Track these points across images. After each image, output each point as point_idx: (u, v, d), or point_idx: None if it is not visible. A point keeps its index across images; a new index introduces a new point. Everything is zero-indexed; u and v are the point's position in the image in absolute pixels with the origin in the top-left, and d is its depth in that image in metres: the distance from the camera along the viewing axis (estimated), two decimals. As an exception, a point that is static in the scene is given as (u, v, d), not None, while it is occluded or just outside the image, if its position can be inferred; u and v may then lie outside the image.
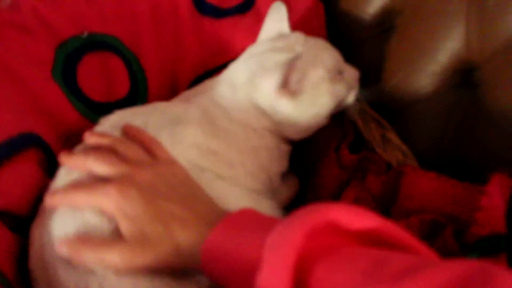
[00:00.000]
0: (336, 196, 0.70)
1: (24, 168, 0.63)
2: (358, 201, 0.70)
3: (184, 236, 0.46)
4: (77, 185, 0.54)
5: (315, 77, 0.66)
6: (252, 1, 0.90)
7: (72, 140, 0.66)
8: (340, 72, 0.69)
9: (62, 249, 0.49)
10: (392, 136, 0.76)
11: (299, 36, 0.72)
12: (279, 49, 0.69)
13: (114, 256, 0.47)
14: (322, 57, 0.68)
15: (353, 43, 0.93)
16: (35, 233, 0.56)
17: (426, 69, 0.74)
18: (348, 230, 0.37)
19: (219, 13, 0.89)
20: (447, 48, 0.71)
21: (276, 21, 0.75)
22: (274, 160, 0.69)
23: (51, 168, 0.65)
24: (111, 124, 0.66)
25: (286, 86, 0.63)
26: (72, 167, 0.56)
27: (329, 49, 0.72)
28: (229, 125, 0.65)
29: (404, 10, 0.82)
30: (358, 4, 0.89)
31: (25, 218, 0.61)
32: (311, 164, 0.76)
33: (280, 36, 0.74)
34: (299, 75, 0.64)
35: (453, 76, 0.72)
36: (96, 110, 0.77)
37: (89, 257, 0.48)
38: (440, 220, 0.61)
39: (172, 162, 0.56)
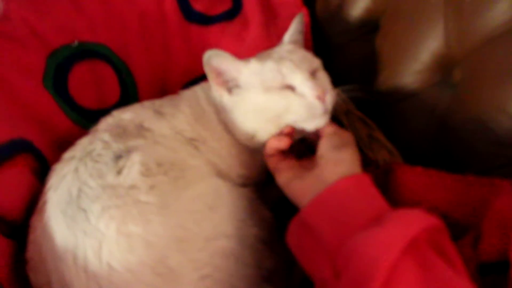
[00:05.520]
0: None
1: (16, 173, 0.64)
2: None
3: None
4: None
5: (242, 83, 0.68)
6: (239, 7, 0.93)
7: (64, 146, 0.67)
8: (283, 87, 0.65)
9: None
10: (378, 135, 0.77)
11: (283, 47, 0.72)
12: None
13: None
14: (267, 69, 0.66)
15: (338, 45, 0.95)
16: (34, 224, 0.60)
17: (408, 68, 0.76)
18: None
19: (207, 20, 0.91)
20: (427, 46, 0.72)
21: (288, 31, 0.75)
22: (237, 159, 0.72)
23: (43, 173, 0.66)
24: (110, 123, 0.69)
25: (223, 84, 0.69)
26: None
27: (286, 61, 0.66)
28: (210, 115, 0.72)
29: (386, 11, 0.84)
30: (342, 7, 0.91)
31: (18, 224, 0.63)
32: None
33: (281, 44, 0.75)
34: (233, 79, 0.68)
35: (435, 74, 0.73)
36: (88, 117, 0.79)
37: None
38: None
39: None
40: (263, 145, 0.69)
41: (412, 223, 0.47)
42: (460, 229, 0.59)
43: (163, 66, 0.90)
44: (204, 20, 0.91)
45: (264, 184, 0.76)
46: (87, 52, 0.81)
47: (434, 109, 0.73)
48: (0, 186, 0.61)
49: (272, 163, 0.66)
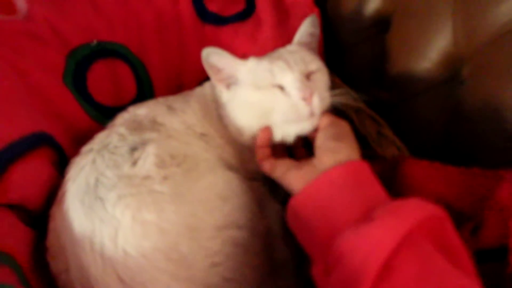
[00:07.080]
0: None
1: (37, 165, 0.67)
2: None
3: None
4: None
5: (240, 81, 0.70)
6: (252, 8, 0.95)
7: (82, 141, 0.70)
8: (273, 86, 0.66)
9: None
10: (387, 132, 0.78)
11: (287, 48, 0.74)
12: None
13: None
14: (261, 67, 0.68)
15: (349, 44, 0.96)
16: (54, 213, 0.62)
17: (417, 66, 0.77)
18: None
19: (221, 20, 0.94)
20: (436, 45, 0.73)
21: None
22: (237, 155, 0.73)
23: (62, 167, 0.68)
24: (126, 118, 0.72)
25: (222, 81, 0.72)
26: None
27: (279, 61, 0.67)
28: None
29: (396, 11, 0.85)
30: (353, 7, 0.93)
31: (39, 214, 0.65)
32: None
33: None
34: (232, 76, 0.71)
35: (444, 72, 0.74)
36: (106, 114, 0.81)
37: None
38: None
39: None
40: (253, 144, 0.71)
41: (407, 216, 0.45)
42: (465, 220, 0.60)
43: (179, 65, 0.93)
44: (218, 20, 0.94)
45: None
46: (105, 51, 0.84)
47: (443, 106, 0.73)
48: (22, 177, 0.63)
49: (266, 168, 0.66)
